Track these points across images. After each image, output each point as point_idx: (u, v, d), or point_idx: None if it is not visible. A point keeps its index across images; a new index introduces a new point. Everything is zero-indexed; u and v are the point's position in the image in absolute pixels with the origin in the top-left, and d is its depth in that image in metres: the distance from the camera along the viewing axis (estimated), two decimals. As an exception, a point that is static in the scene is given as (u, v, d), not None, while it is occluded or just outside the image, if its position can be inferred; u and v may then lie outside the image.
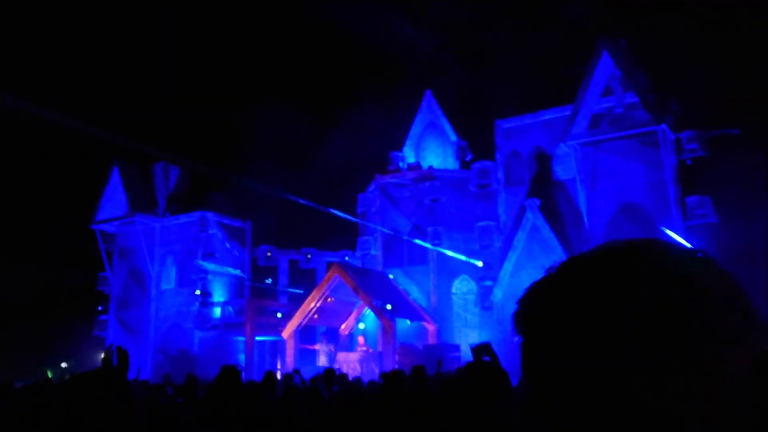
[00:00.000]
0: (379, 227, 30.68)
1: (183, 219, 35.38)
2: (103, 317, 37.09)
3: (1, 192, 45.42)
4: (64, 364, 34.06)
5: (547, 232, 26.40)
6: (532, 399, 0.74)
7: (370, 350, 27.02)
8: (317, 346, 27.88)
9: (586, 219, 26.13)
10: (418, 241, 29.41)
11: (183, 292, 34.62)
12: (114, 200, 36.48)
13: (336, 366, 23.39)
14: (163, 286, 35.73)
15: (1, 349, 36.09)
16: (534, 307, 0.78)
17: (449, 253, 28.94)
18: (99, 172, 37.66)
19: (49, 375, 28.45)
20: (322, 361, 27.12)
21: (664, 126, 24.43)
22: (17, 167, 50.12)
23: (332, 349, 28.30)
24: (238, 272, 32.40)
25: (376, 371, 23.88)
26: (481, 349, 5.24)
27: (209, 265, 33.22)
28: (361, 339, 28.01)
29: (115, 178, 36.71)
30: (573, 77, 26.31)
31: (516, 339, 0.80)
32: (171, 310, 34.93)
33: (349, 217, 29.18)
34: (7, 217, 43.89)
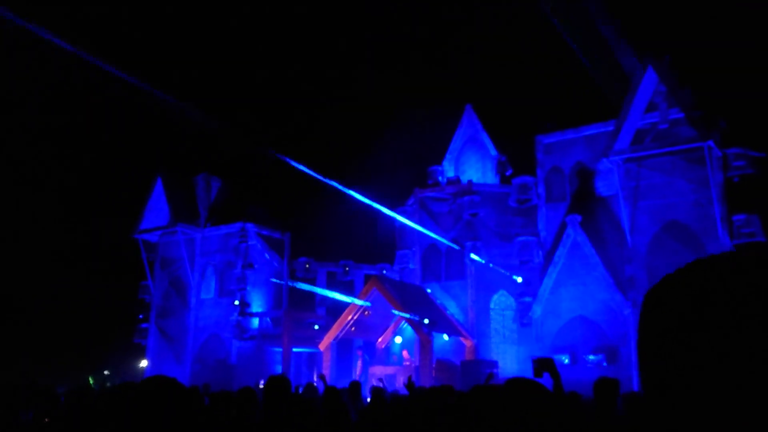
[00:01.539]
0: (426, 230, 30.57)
1: (223, 230, 35.78)
2: (144, 325, 37.63)
3: (49, 200, 46.51)
4: (106, 372, 34.59)
5: (588, 248, 26.03)
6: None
7: (414, 364, 26.86)
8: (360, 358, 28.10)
9: (628, 236, 25.69)
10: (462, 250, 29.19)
11: (222, 302, 34.96)
12: (157, 210, 37.10)
13: (374, 380, 23.29)
14: (203, 295, 36.14)
15: (44, 354, 36.84)
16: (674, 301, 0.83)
17: (489, 265, 28.70)
18: (144, 181, 38.39)
19: (91, 382, 28.92)
20: (359, 373, 27.15)
21: (710, 142, 23.95)
22: (65, 175, 51.31)
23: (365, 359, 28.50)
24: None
25: (413, 386, 23.74)
26: (542, 364, 5.04)
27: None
28: (405, 353, 27.78)
29: (159, 188, 37.35)
30: (617, 92, 25.98)
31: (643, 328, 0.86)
32: (210, 319, 35.29)
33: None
34: (54, 224, 44.92)
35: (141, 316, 38.07)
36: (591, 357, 25.21)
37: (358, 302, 26.86)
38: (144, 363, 37.39)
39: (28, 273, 42.81)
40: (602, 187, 27.46)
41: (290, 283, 32.10)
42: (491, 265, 28.68)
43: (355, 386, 10.71)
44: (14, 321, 40.97)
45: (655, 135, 25.78)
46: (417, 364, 26.35)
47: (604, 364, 24.75)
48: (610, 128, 26.61)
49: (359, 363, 28.13)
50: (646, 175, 25.60)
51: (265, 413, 4.83)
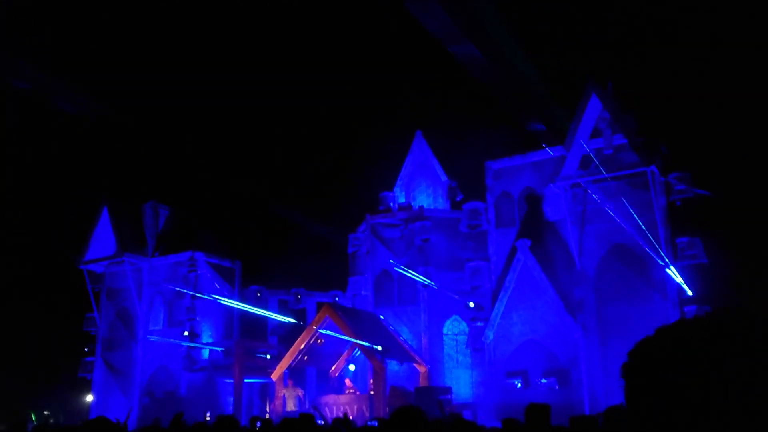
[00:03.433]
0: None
1: (172, 259, 35.13)
2: (89, 359, 36.52)
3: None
4: (46, 412, 33.42)
5: (538, 272, 26.37)
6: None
7: (358, 393, 26.69)
8: (284, 392, 27.30)
9: (577, 260, 26.13)
10: (412, 274, 29.22)
11: (171, 332, 34.20)
12: (102, 239, 36.20)
13: (324, 409, 23.03)
14: (151, 326, 35.31)
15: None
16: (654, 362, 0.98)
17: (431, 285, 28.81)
18: (89, 210, 37.50)
19: (33, 418, 27.87)
20: (290, 406, 26.66)
21: (653, 167, 24.64)
22: (3, 203, 49.80)
23: (300, 394, 27.95)
24: (235, 303, 31.78)
25: (367, 414, 23.55)
26: (536, 411, 5.01)
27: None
28: (348, 381, 27.71)
29: (105, 217, 36.52)
30: (562, 119, 26.58)
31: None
32: (158, 351, 34.46)
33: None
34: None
35: (86, 350, 36.98)
36: (543, 380, 25.42)
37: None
38: (90, 398, 36.26)
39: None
40: (550, 212, 27.92)
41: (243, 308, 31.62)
42: (433, 286, 28.78)
43: (307, 418, 10.54)
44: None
45: (600, 160, 26.42)
46: (367, 392, 26.22)
47: (556, 387, 24.98)
48: (558, 154, 27.16)
49: (290, 402, 27.34)
50: (593, 200, 26.16)
51: None
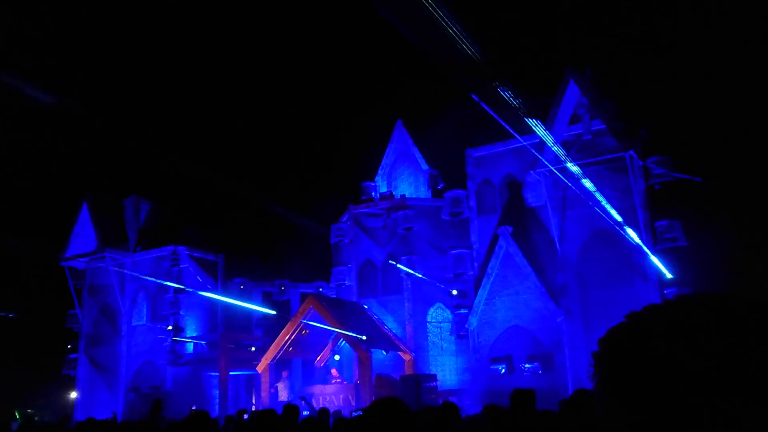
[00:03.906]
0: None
1: (154, 253, 34.94)
2: (73, 356, 36.28)
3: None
4: (29, 411, 33.18)
5: (520, 258, 26.54)
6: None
7: (344, 382, 26.80)
8: (279, 384, 27.73)
9: (558, 245, 26.33)
10: (397, 265, 29.30)
11: (155, 327, 34.07)
12: (83, 235, 35.92)
13: (311, 399, 23.10)
14: (135, 322, 35.15)
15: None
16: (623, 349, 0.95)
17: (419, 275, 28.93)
18: (69, 205, 37.18)
19: (17, 416, 27.71)
20: (282, 396, 26.82)
21: (631, 152, 24.83)
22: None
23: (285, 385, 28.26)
24: (219, 297, 31.66)
25: (353, 404, 23.67)
26: (521, 397, 5.08)
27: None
28: (334, 371, 27.82)
29: (85, 213, 36.22)
30: (542, 105, 26.67)
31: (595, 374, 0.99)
32: (143, 346, 34.34)
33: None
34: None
35: (69, 346, 36.73)
36: (527, 365, 25.65)
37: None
38: (74, 395, 36.05)
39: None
40: (531, 198, 28.07)
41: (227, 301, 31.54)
42: (421, 275, 28.91)
43: (291, 409, 10.64)
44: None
45: (579, 146, 26.58)
46: (353, 381, 26.33)
47: (540, 371, 25.22)
48: (537, 140, 27.28)
49: (280, 385, 27.85)
50: (573, 186, 26.32)
51: None
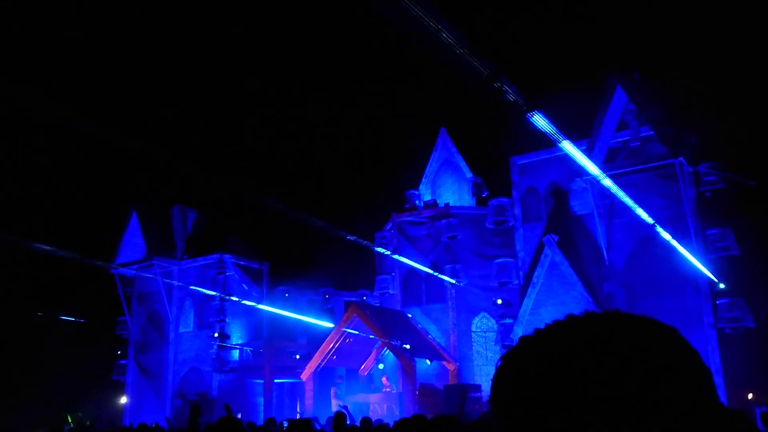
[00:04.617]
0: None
1: (201, 261, 35.47)
2: (122, 362, 37.04)
3: (21, 235, 45.68)
4: (80, 414, 33.91)
5: (566, 267, 26.15)
6: None
7: (393, 390, 26.68)
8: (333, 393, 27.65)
9: (605, 254, 25.87)
10: (440, 276, 29.13)
11: (201, 334, 34.55)
12: (132, 244, 36.69)
13: (355, 408, 23.05)
14: (182, 329, 35.70)
15: (19, 395, 36.05)
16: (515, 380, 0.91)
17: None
18: (118, 215, 38.00)
19: (69, 420, 28.32)
20: (334, 407, 26.82)
21: (681, 159, 24.29)
22: (35, 210, 50.65)
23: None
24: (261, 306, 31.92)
25: (396, 413, 23.56)
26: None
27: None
28: (384, 380, 27.62)
29: (134, 222, 36.99)
30: (589, 111, 26.29)
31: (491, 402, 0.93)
32: (189, 353, 34.83)
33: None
34: (27, 262, 44.16)
35: (119, 352, 37.48)
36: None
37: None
38: (124, 399, 36.74)
39: None
40: (577, 206, 27.67)
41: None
42: (460, 284, 28.67)
43: (340, 417, 10.75)
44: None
45: (627, 153, 26.10)
46: (401, 390, 26.19)
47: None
48: (583, 147, 26.88)
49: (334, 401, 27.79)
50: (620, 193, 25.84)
51: None
